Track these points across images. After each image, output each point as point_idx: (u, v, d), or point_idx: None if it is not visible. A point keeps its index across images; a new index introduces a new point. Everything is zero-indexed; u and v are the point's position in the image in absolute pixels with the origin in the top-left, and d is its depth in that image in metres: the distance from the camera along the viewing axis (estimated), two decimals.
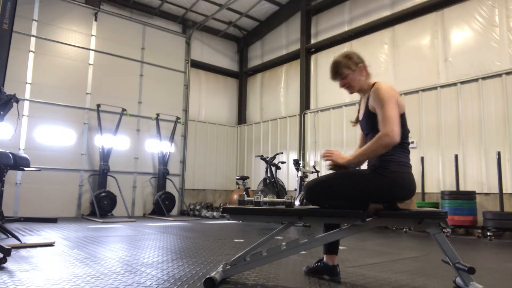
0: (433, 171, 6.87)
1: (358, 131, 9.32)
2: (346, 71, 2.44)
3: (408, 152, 2.38)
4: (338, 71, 2.46)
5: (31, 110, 7.60)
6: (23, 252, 3.42)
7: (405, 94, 7.45)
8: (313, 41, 9.66)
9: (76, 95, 8.22)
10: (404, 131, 2.32)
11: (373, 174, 2.28)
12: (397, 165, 2.27)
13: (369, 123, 2.40)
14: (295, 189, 7.42)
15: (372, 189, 2.25)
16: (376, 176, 2.26)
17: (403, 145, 2.32)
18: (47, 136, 7.75)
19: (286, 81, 10.43)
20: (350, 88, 2.50)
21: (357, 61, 2.45)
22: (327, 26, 9.39)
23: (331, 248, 2.57)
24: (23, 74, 7.56)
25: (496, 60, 6.35)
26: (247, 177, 7.41)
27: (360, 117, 2.53)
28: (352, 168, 2.34)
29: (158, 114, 9.27)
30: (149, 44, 9.49)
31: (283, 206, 2.39)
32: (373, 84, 2.39)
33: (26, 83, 7.59)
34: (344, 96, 8.45)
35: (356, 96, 7.92)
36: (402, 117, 2.31)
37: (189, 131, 10.21)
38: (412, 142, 7.21)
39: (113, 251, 3.60)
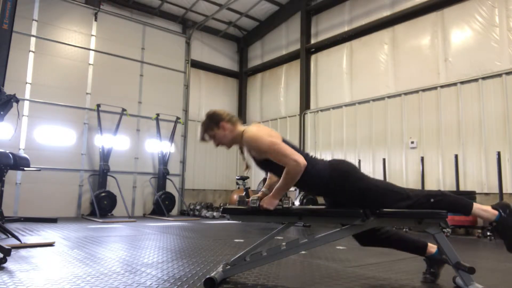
0: (433, 171, 6.87)
1: (358, 131, 9.19)
2: (211, 133, 2.46)
3: (314, 157, 2.42)
4: (204, 135, 2.49)
5: (31, 110, 7.60)
6: (23, 252, 3.42)
7: (405, 94, 7.45)
8: (313, 41, 9.66)
9: (76, 95, 8.22)
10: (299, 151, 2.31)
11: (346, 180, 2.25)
12: (325, 167, 2.30)
13: (267, 166, 2.39)
14: (295, 189, 7.42)
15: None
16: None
17: (308, 160, 2.27)
18: (47, 136, 7.74)
19: (286, 81, 10.43)
20: (223, 145, 2.51)
21: (217, 120, 2.44)
22: (327, 26, 9.39)
23: (419, 248, 2.50)
24: (23, 74, 7.56)
25: (496, 60, 6.35)
26: (247, 177, 7.41)
27: (255, 163, 2.49)
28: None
29: (158, 114, 9.27)
30: (149, 44, 9.48)
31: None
32: (242, 133, 2.38)
33: (26, 83, 7.59)
34: (344, 96, 8.42)
35: (356, 96, 7.90)
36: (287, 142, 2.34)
37: (189, 131, 10.21)
38: (412, 142, 7.22)
39: (113, 251, 3.60)
